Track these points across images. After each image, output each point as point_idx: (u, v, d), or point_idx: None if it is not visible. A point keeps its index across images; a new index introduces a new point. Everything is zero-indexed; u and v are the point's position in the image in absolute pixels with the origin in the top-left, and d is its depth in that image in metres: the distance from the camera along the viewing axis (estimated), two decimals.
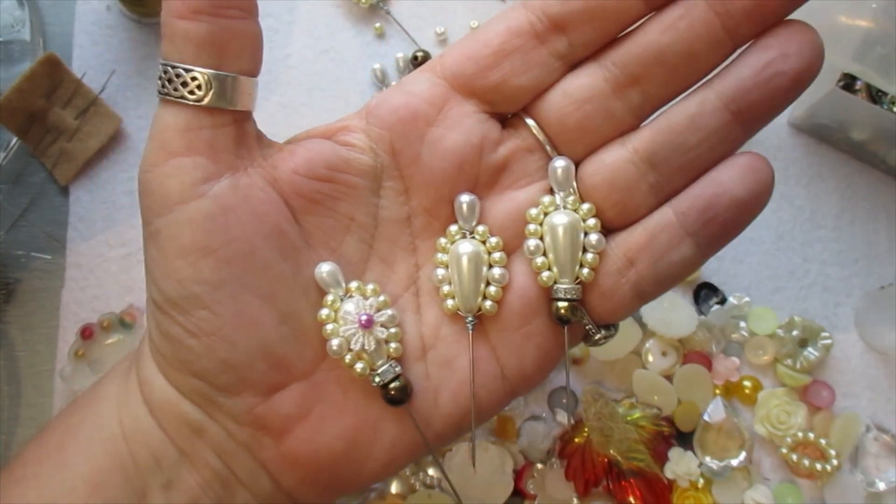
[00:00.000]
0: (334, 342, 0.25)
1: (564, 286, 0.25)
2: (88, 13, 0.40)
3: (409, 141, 0.26)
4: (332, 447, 0.26)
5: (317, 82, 0.41)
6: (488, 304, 0.26)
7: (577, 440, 0.36)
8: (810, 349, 0.38)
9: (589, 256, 0.25)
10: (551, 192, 0.26)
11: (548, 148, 0.26)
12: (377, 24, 0.42)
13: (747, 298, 0.38)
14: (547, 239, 0.26)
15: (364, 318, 0.25)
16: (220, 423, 0.25)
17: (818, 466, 0.36)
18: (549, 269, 0.26)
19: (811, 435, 0.36)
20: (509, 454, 0.36)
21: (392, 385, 0.25)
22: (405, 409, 0.26)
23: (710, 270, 0.39)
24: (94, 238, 0.39)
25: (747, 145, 0.40)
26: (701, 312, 0.38)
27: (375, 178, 0.26)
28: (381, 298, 0.26)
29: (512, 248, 0.26)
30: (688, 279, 0.38)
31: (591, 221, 0.26)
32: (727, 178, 0.25)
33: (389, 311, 0.26)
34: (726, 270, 0.39)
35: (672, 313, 0.37)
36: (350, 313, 0.25)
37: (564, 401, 0.37)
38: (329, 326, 0.25)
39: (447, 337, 0.27)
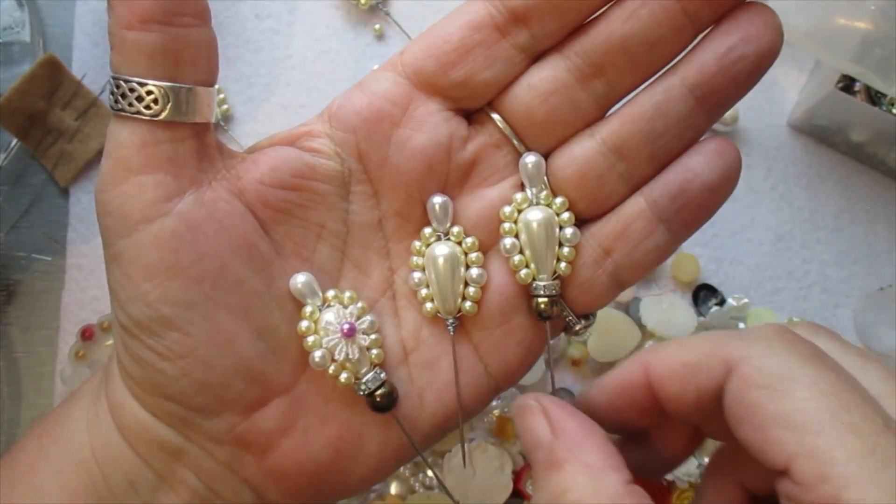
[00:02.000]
0: (317, 354, 0.25)
1: (543, 283, 0.25)
2: (88, 14, 0.40)
3: (375, 143, 0.26)
4: (318, 459, 0.25)
5: (316, 83, 0.41)
6: (468, 304, 0.26)
7: None
8: None
9: (565, 250, 0.26)
10: (522, 187, 0.26)
11: (515, 142, 0.26)
12: (377, 26, 0.42)
13: (746, 300, 0.38)
14: (522, 236, 0.26)
15: (346, 327, 0.25)
16: (199, 445, 0.25)
17: None
18: (527, 266, 0.26)
19: None
20: (508, 455, 0.36)
21: (378, 392, 0.25)
22: (392, 415, 0.25)
23: (709, 272, 0.39)
24: (94, 239, 0.39)
25: (747, 145, 0.41)
26: (700, 314, 0.38)
27: (343, 183, 0.26)
28: (360, 305, 0.25)
29: (487, 246, 0.26)
30: (687, 280, 0.38)
31: (566, 215, 0.26)
32: (696, 164, 0.25)
33: (369, 318, 0.25)
34: (725, 272, 0.39)
35: (671, 314, 0.37)
36: (331, 323, 0.25)
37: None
38: (310, 339, 0.25)
39: (428, 339, 0.26)
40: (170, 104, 0.23)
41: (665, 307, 0.37)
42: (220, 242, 0.24)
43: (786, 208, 0.40)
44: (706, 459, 0.36)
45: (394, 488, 0.36)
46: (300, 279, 0.25)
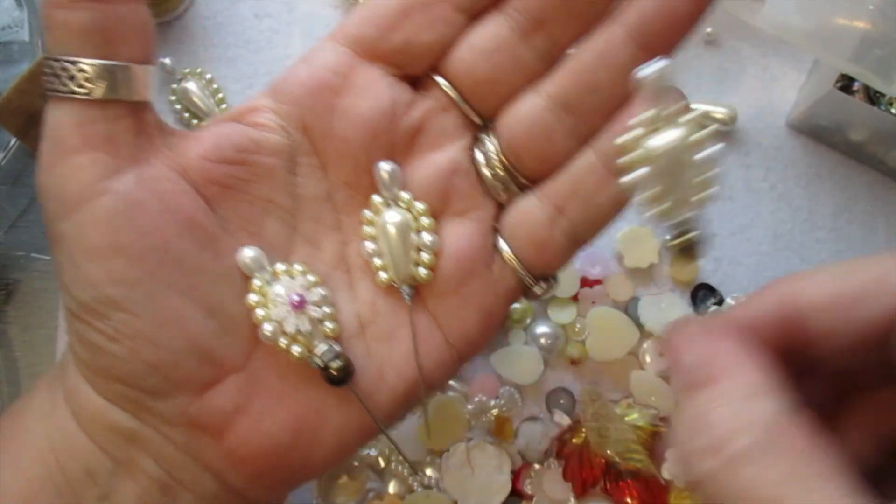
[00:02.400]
0: (266, 327, 0.24)
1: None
2: None
3: (320, 114, 0.25)
4: (277, 438, 0.25)
5: None
6: (423, 271, 0.26)
7: (574, 441, 0.36)
8: None
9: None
10: (472, 152, 0.26)
11: (461, 105, 0.26)
12: None
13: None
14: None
15: (296, 298, 0.24)
16: (155, 428, 0.24)
17: None
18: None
19: None
20: (507, 455, 0.36)
21: (333, 365, 0.24)
22: (349, 389, 0.25)
23: (708, 271, 0.39)
24: None
25: (746, 144, 0.41)
26: (699, 313, 0.38)
27: (290, 156, 0.26)
28: (311, 278, 0.25)
29: (439, 211, 0.26)
30: (686, 280, 0.38)
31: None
32: None
33: (321, 291, 0.25)
34: (724, 271, 0.39)
35: (670, 314, 0.37)
36: (280, 295, 0.24)
37: (562, 401, 0.37)
38: (259, 312, 0.24)
39: (384, 311, 0.26)
40: (104, 83, 0.23)
41: (663, 307, 0.37)
42: (163, 220, 0.24)
43: (785, 208, 0.40)
44: None
45: (392, 488, 0.36)
46: (247, 253, 0.25)
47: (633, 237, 0.38)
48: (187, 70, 0.39)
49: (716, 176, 0.23)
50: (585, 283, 0.38)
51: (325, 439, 0.25)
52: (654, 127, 0.23)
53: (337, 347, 0.25)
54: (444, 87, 0.26)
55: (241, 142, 0.25)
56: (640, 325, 0.37)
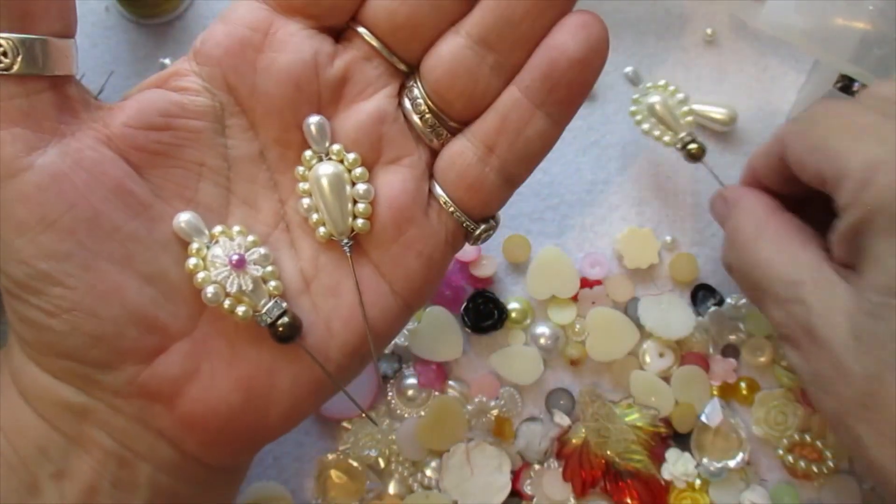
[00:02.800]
0: (209, 290, 0.24)
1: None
2: (87, 14, 0.40)
3: (242, 73, 0.25)
4: (229, 401, 0.25)
5: None
6: (360, 222, 0.26)
7: (574, 441, 0.36)
8: None
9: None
10: (399, 100, 0.27)
11: (384, 52, 0.26)
12: None
13: (745, 300, 0.38)
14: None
15: (235, 258, 0.24)
16: (104, 401, 0.24)
17: (815, 468, 0.36)
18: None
19: (808, 436, 0.36)
20: (507, 455, 0.36)
21: (280, 322, 0.24)
22: (298, 345, 0.25)
23: (708, 272, 0.39)
24: None
25: (745, 144, 0.41)
26: (699, 313, 0.38)
27: (216, 118, 0.25)
28: (250, 238, 0.25)
29: (371, 160, 0.26)
30: (685, 280, 0.38)
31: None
32: (561, 41, 0.25)
33: (261, 250, 0.25)
34: (724, 271, 0.39)
35: (669, 314, 0.37)
36: (219, 257, 0.24)
37: (562, 402, 0.37)
38: (200, 275, 0.24)
39: (327, 265, 0.26)
40: (20, 57, 0.22)
41: (663, 307, 0.37)
42: (90, 190, 0.23)
43: None
44: (704, 460, 0.36)
45: (392, 488, 0.36)
46: (183, 217, 0.25)
47: (632, 238, 0.38)
48: None
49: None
50: (585, 283, 0.38)
51: (278, 399, 0.26)
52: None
53: (284, 304, 0.25)
54: (365, 36, 0.26)
55: (164, 106, 0.25)
56: (640, 326, 0.37)
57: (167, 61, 0.39)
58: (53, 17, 0.23)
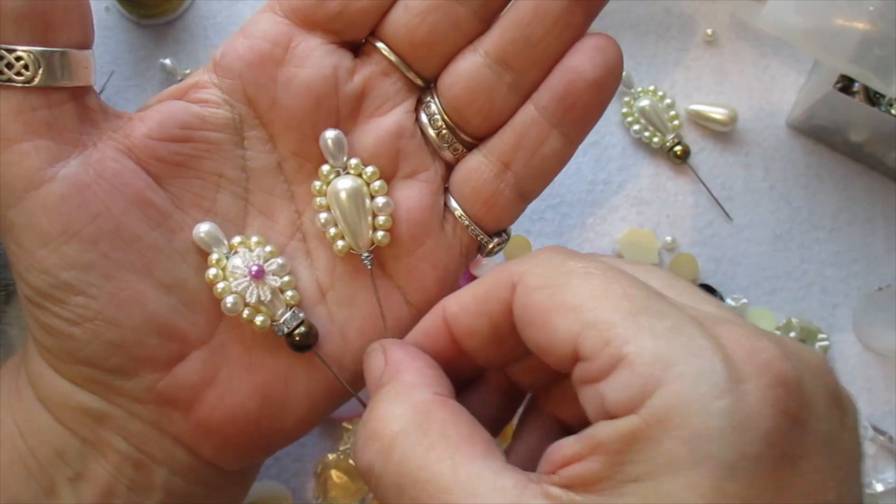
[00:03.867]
0: (228, 300, 0.25)
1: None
2: None
3: (262, 86, 0.25)
4: (246, 407, 0.25)
5: None
6: (380, 234, 0.26)
7: None
8: None
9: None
10: (416, 115, 0.27)
11: (402, 68, 0.26)
12: None
13: (745, 300, 0.38)
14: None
15: (255, 268, 0.25)
16: (122, 407, 0.25)
17: None
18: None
19: None
20: None
21: (297, 331, 0.25)
22: (314, 353, 0.25)
23: (708, 272, 0.39)
24: None
25: (746, 145, 0.41)
26: None
27: (236, 130, 0.26)
28: (268, 248, 0.25)
29: (389, 174, 0.26)
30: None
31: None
32: (578, 63, 0.25)
33: (279, 260, 0.25)
34: (724, 272, 0.39)
35: None
36: (238, 267, 0.25)
37: None
38: (220, 285, 0.25)
39: (343, 276, 0.26)
40: (42, 69, 0.23)
41: None
42: (113, 201, 0.24)
43: (784, 208, 0.40)
44: None
45: None
46: (203, 228, 0.25)
47: (633, 238, 0.38)
48: (188, 70, 0.39)
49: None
50: None
51: (293, 405, 0.26)
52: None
53: (301, 314, 0.25)
54: (384, 51, 0.26)
55: (185, 118, 0.25)
56: None
57: (167, 61, 0.39)
58: (73, 29, 0.23)
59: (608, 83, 0.25)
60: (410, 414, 0.20)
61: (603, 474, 0.18)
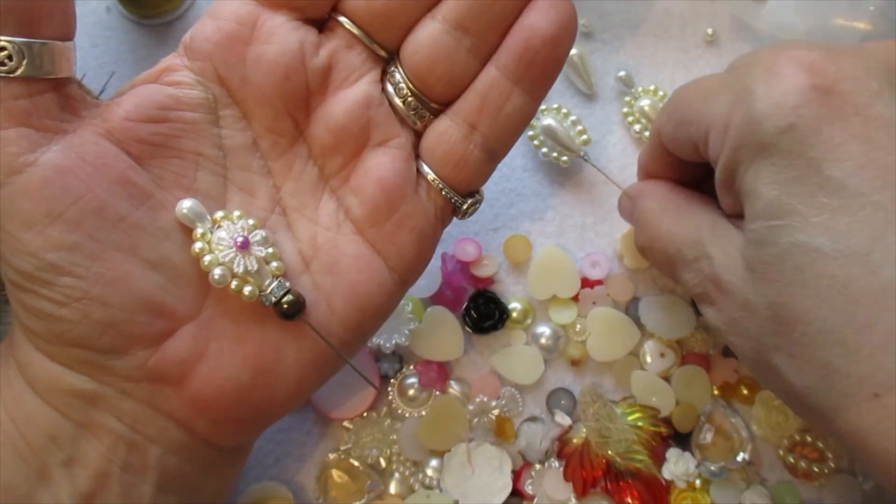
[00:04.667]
0: (216, 271, 0.25)
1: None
2: (88, 14, 0.40)
3: (232, 66, 0.26)
4: (237, 379, 0.26)
5: None
6: (274, 265, 0.26)
7: (575, 441, 0.36)
8: None
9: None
10: (382, 85, 0.28)
11: (365, 40, 0.27)
12: None
13: None
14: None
15: (240, 239, 0.25)
16: (114, 386, 0.25)
17: (815, 468, 0.36)
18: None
19: (809, 436, 0.36)
20: (508, 455, 0.36)
21: (284, 300, 0.25)
22: (302, 320, 0.26)
23: None
24: None
25: None
26: (699, 314, 0.38)
27: (210, 109, 0.26)
28: (250, 221, 0.26)
29: (360, 143, 0.27)
30: None
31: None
32: (533, 21, 0.26)
33: (262, 232, 0.26)
34: None
35: (670, 315, 0.37)
36: (224, 239, 0.25)
37: (563, 402, 0.37)
38: (207, 258, 0.25)
39: (324, 245, 0.27)
40: (25, 60, 0.23)
41: (664, 307, 0.37)
42: (95, 183, 0.24)
43: None
44: (713, 467, 0.36)
45: (393, 488, 0.36)
46: (185, 205, 0.26)
47: (633, 238, 0.38)
48: None
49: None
50: (586, 283, 0.38)
51: (285, 375, 0.27)
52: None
53: (287, 284, 0.26)
54: (347, 25, 0.27)
55: (160, 99, 0.26)
56: (640, 326, 0.37)
57: None
58: (56, 21, 0.24)
59: (564, 38, 0.27)
60: (655, 204, 0.31)
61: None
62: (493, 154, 0.28)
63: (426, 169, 0.28)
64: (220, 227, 0.26)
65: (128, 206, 0.25)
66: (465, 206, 0.29)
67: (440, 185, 0.28)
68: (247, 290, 0.25)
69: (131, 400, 0.25)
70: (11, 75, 0.23)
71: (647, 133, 0.39)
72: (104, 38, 0.40)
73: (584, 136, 0.38)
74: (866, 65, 0.24)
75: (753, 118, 0.24)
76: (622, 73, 0.40)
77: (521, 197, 0.39)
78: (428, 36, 0.27)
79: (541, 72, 0.27)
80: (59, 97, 0.25)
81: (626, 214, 0.34)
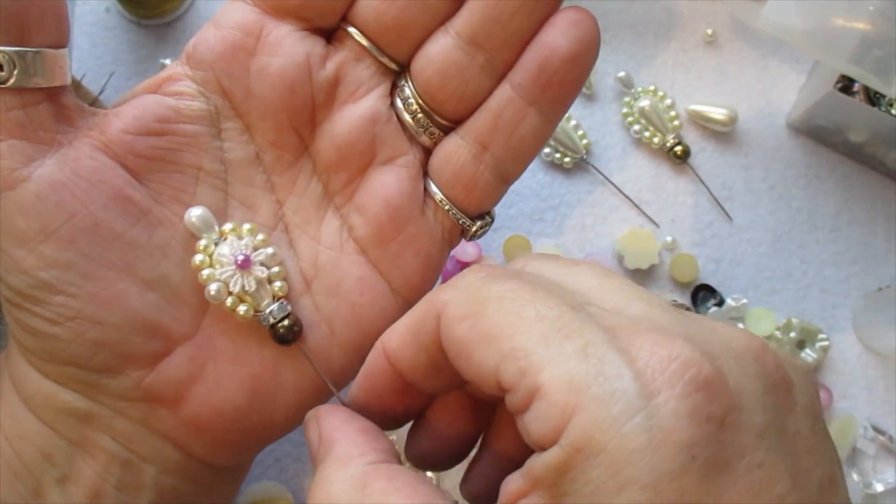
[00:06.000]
0: (212, 287, 0.24)
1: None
2: (87, 15, 0.40)
3: (236, 77, 0.25)
4: (235, 402, 0.25)
5: None
6: (277, 285, 0.25)
7: None
8: (808, 351, 0.38)
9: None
10: (391, 100, 0.26)
11: (374, 52, 0.26)
12: None
13: (745, 300, 0.38)
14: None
15: (241, 258, 0.24)
16: (108, 406, 0.24)
17: None
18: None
19: None
20: None
21: (281, 324, 0.25)
22: (297, 347, 0.25)
23: (708, 272, 0.39)
24: None
25: (746, 145, 0.41)
26: (700, 313, 0.38)
27: (212, 121, 0.25)
28: (260, 237, 0.25)
29: (366, 160, 0.26)
30: (686, 281, 0.38)
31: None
32: (551, 38, 0.24)
33: (269, 250, 0.25)
34: (724, 272, 0.39)
35: None
36: (225, 255, 0.24)
37: None
38: (205, 272, 0.24)
39: (326, 265, 0.26)
40: (16, 70, 0.22)
41: None
42: (90, 199, 0.23)
43: (784, 209, 0.40)
44: None
45: None
46: (195, 212, 0.25)
47: (633, 238, 0.38)
48: None
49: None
50: None
51: (283, 398, 0.26)
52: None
53: (288, 307, 0.25)
54: (356, 36, 0.25)
55: (161, 112, 0.25)
56: None
57: (168, 62, 0.39)
58: (48, 29, 0.23)
59: (584, 58, 0.25)
60: (348, 490, 0.20)
61: None
62: (505, 176, 0.27)
63: (434, 189, 0.27)
64: (225, 240, 0.25)
65: (124, 223, 0.24)
66: (474, 229, 0.27)
67: (448, 207, 0.27)
68: (241, 309, 0.25)
69: (126, 419, 0.25)
70: (3, 86, 0.22)
71: (646, 133, 0.39)
72: (103, 39, 0.40)
73: (585, 141, 0.38)
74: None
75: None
76: (622, 74, 0.40)
77: (521, 197, 0.39)
78: (440, 51, 0.25)
79: (558, 93, 0.25)
80: (54, 107, 0.24)
81: (309, 446, 0.23)
